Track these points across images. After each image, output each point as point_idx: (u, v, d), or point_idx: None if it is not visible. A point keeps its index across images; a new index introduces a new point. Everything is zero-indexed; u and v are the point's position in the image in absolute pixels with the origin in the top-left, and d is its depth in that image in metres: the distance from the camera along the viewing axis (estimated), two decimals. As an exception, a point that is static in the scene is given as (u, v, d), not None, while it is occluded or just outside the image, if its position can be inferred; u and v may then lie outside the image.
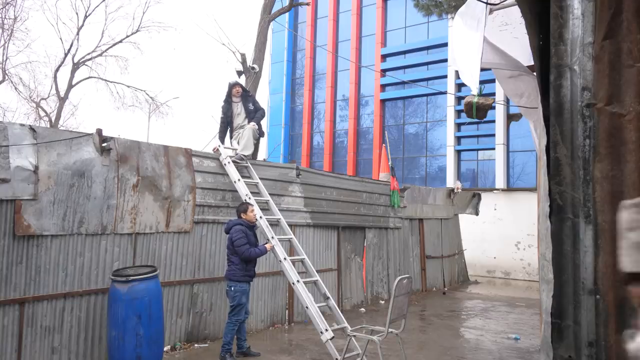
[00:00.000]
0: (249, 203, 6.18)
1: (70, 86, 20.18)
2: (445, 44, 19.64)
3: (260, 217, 6.42)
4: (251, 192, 6.69)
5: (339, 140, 25.12)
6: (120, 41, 21.14)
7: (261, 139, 7.82)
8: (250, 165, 7.21)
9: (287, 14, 20.45)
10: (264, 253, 5.93)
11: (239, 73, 10.97)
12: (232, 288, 5.69)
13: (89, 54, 20.92)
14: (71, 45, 19.95)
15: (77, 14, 23.37)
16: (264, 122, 7.87)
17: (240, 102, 7.48)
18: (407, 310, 5.35)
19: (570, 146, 1.90)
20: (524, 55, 4.42)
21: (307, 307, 5.86)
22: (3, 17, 18.29)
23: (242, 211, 5.96)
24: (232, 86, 7.49)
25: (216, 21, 38.54)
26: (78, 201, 5.23)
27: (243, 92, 7.59)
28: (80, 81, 21.08)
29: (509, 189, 17.85)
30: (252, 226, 5.94)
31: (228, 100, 7.51)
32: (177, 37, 56.25)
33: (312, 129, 26.10)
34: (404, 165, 22.27)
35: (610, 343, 1.77)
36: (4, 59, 18.68)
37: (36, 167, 4.90)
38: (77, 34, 20.11)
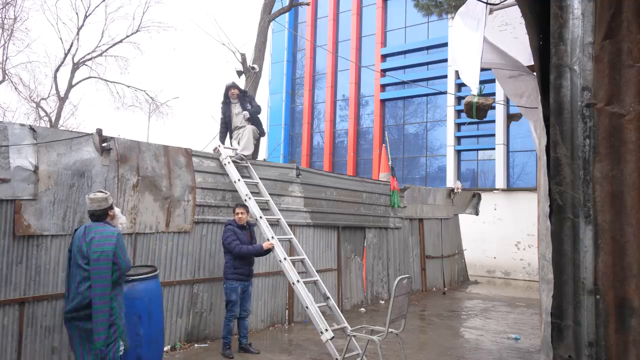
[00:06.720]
0: (239, 205, 6.28)
1: (70, 86, 20.20)
2: (445, 44, 19.63)
3: (260, 217, 6.44)
4: (251, 192, 6.70)
5: (339, 140, 25.12)
6: (120, 41, 21.17)
7: (261, 138, 7.82)
8: (250, 165, 7.22)
9: (287, 14, 20.46)
10: (259, 251, 6.00)
11: (239, 73, 10.98)
12: (224, 285, 6.03)
13: (89, 54, 20.97)
14: (71, 45, 19.99)
15: (77, 14, 23.43)
16: (264, 123, 7.87)
17: (239, 102, 7.50)
18: (407, 310, 5.35)
19: (570, 146, 1.90)
20: (524, 55, 4.43)
21: (307, 307, 5.86)
22: (3, 17, 18.31)
23: (232, 211, 6.21)
24: (228, 88, 7.53)
25: (216, 21, 38.61)
26: (78, 201, 5.23)
27: (240, 92, 7.62)
28: (80, 81, 21.13)
29: (509, 189, 17.84)
30: (242, 226, 6.05)
31: (226, 102, 7.56)
32: (177, 37, 56.30)
33: (312, 129, 26.09)
34: (404, 165, 22.27)
35: (610, 343, 1.77)
36: (4, 59, 18.72)
37: (36, 167, 4.90)
38: (77, 34, 20.15)
